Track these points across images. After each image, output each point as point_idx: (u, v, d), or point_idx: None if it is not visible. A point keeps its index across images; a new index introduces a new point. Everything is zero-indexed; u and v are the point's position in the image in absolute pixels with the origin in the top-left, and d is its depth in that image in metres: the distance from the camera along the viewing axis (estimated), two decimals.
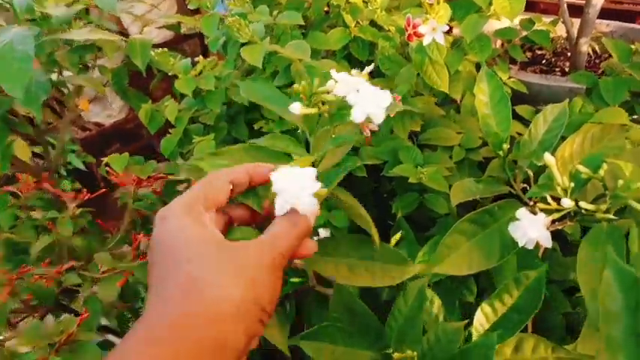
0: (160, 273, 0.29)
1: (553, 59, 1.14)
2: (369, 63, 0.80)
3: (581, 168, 0.51)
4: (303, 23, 0.71)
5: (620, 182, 0.47)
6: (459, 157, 0.70)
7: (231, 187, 0.33)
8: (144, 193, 0.83)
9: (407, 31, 0.57)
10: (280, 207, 0.31)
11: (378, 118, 0.33)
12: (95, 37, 0.77)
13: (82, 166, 1.16)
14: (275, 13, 0.74)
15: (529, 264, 0.61)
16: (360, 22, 0.79)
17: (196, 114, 0.85)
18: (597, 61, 1.09)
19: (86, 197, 0.84)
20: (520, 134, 0.76)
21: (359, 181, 0.73)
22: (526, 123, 0.83)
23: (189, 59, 0.79)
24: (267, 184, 0.32)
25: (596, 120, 0.58)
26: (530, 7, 1.21)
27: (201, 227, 0.30)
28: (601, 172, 0.50)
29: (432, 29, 0.55)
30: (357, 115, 0.32)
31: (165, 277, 0.29)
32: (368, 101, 0.33)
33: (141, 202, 0.83)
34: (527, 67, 1.12)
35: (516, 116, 0.83)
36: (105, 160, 0.85)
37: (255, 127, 0.75)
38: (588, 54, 1.05)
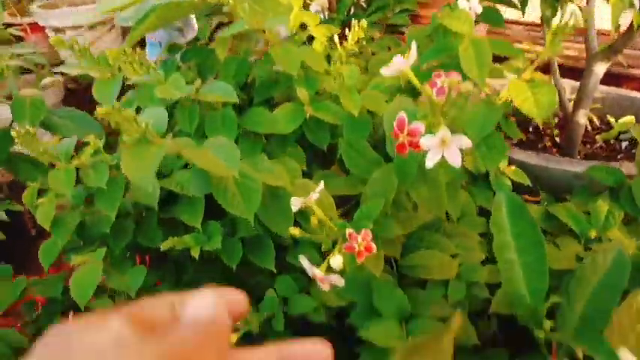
0: None
1: (541, 126, 0.98)
2: (330, 152, 0.59)
3: None
4: (236, 101, 0.49)
5: None
6: (457, 295, 0.49)
7: None
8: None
9: (397, 137, 0.36)
10: None
11: None
12: None
13: (4, 217, 0.87)
14: (198, 82, 0.52)
15: None
16: (320, 95, 0.59)
17: (86, 211, 0.61)
18: (593, 131, 0.94)
19: None
20: None
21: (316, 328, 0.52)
22: None
23: (72, 140, 0.55)
24: None
25: None
26: None
27: None
28: None
29: (442, 142, 0.34)
30: None
31: None
32: None
33: None
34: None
35: None
36: None
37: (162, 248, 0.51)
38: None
